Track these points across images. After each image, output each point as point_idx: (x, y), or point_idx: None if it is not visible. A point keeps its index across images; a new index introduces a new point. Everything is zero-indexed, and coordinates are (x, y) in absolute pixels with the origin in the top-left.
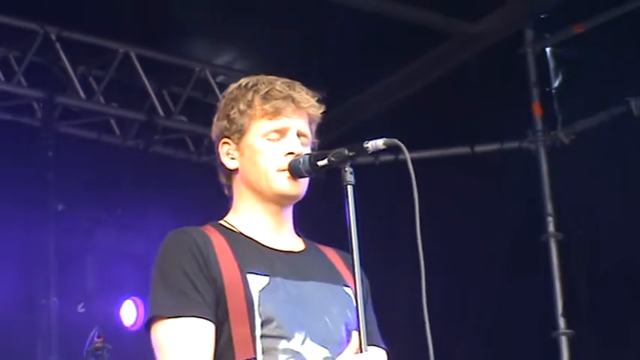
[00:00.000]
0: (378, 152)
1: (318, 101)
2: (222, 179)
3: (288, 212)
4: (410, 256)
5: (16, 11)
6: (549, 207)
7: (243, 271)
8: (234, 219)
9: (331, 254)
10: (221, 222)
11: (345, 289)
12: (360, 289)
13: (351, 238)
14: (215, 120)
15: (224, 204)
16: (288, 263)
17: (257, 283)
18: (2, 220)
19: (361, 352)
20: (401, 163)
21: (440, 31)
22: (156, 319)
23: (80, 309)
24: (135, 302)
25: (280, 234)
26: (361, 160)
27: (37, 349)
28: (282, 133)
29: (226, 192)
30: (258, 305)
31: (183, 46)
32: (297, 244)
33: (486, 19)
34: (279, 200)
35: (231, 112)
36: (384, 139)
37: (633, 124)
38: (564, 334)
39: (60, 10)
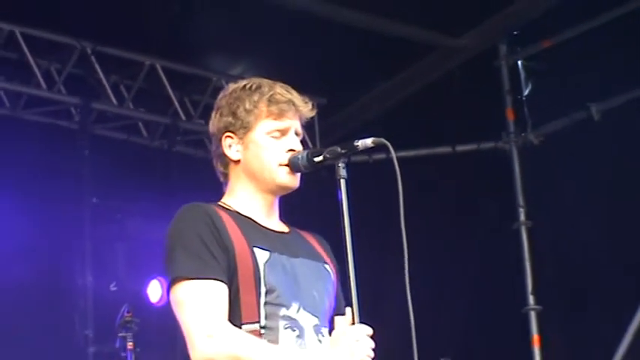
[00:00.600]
0: (370, 151)
1: (310, 104)
2: (220, 167)
3: (277, 200)
4: (396, 240)
5: (56, 28)
6: (520, 199)
7: (250, 244)
8: (232, 201)
9: (309, 237)
10: (219, 203)
11: (325, 265)
12: (353, 271)
13: (343, 226)
14: (217, 116)
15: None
16: (281, 241)
17: (262, 256)
18: (45, 210)
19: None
20: (391, 160)
21: (427, 44)
22: (176, 281)
23: (112, 288)
24: (160, 282)
25: (270, 218)
26: (357, 158)
27: (75, 322)
28: (283, 132)
29: (222, 179)
30: (264, 276)
31: (201, 59)
32: (283, 227)
33: (467, 35)
34: (277, 191)
35: (237, 110)
36: (373, 138)
37: (593, 127)
38: (533, 309)
39: (95, 27)
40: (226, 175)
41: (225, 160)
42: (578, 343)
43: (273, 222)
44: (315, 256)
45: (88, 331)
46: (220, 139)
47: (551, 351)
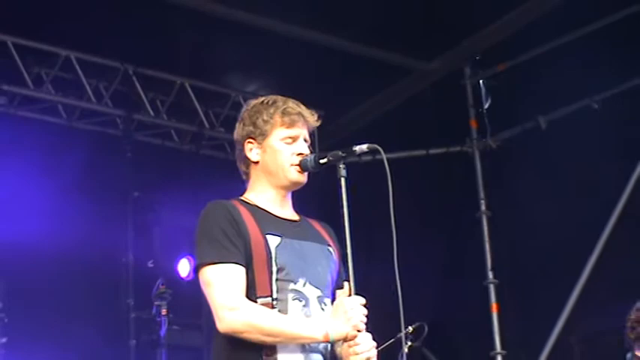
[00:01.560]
0: (363, 154)
1: (316, 115)
2: (242, 168)
3: (289, 194)
4: (384, 227)
5: (104, 53)
6: (481, 193)
7: (263, 232)
8: (252, 196)
9: (316, 224)
10: (241, 198)
11: (328, 248)
12: (351, 251)
13: (342, 214)
14: (241, 125)
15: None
16: (291, 228)
17: (273, 241)
18: (97, 202)
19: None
20: (377, 162)
21: (405, 68)
22: (203, 265)
23: (150, 264)
24: (189, 260)
25: (284, 208)
26: (349, 160)
27: (120, 294)
28: (294, 139)
29: (244, 177)
30: (275, 257)
31: (222, 78)
32: (295, 216)
33: (437, 60)
34: (289, 186)
35: (257, 121)
36: (368, 144)
37: (541, 135)
38: (492, 282)
39: (135, 52)
40: (248, 174)
41: (247, 162)
42: (529, 310)
43: (287, 212)
44: (320, 240)
45: (129, 300)
46: (243, 144)
47: (506, 316)
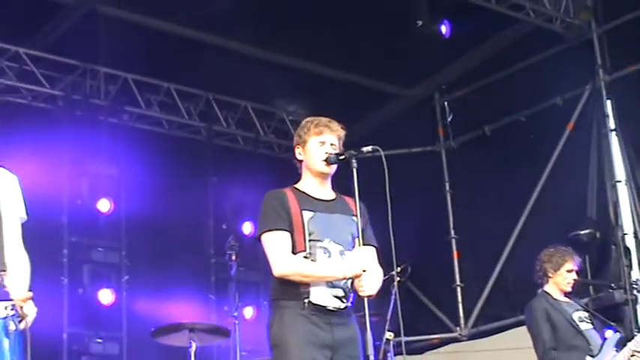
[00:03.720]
0: (368, 152)
1: (342, 128)
2: (297, 164)
3: (327, 180)
4: (381, 204)
5: (193, 85)
6: (446, 177)
7: (301, 209)
8: (300, 184)
9: (348, 199)
10: (294, 186)
11: (353, 217)
12: (360, 219)
13: (354, 195)
14: (296, 137)
15: (293, 178)
16: (324, 205)
17: (307, 215)
18: (189, 186)
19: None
20: (377, 157)
21: (392, 93)
22: (262, 233)
23: (224, 227)
24: (251, 222)
25: (321, 191)
26: (360, 156)
27: (204, 246)
28: (323, 143)
29: (299, 171)
30: (307, 226)
31: (272, 101)
32: (330, 195)
33: (417, 87)
34: (321, 175)
35: (302, 134)
36: (371, 146)
37: (487, 139)
38: (454, 238)
39: (214, 83)
40: (299, 169)
41: (298, 161)
42: (479, 256)
43: (324, 193)
44: (348, 212)
45: (211, 250)
46: (295, 149)
47: (464, 260)
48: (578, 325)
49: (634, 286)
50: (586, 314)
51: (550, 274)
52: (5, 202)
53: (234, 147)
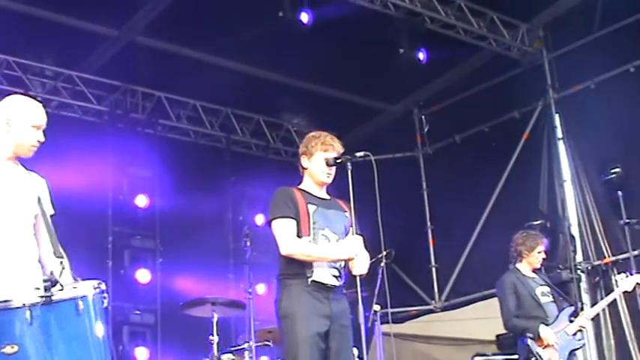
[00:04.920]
0: (360, 157)
1: (341, 145)
2: (300, 170)
3: (324, 187)
4: (370, 203)
5: (214, 101)
6: (423, 178)
7: (307, 203)
8: (303, 185)
9: (340, 201)
10: (299, 187)
11: (345, 213)
12: (354, 214)
13: (349, 193)
14: (302, 147)
15: (297, 178)
16: (323, 203)
17: (312, 208)
18: (213, 185)
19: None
20: (364, 162)
21: (378, 109)
22: (273, 219)
23: (240, 218)
24: (263, 215)
25: (320, 192)
26: (353, 160)
27: (225, 234)
28: (326, 157)
29: (301, 174)
30: (312, 216)
31: (280, 114)
32: (327, 196)
33: (399, 104)
34: (321, 183)
35: (308, 145)
36: (363, 152)
37: (457, 147)
38: (430, 228)
39: (233, 99)
40: (302, 173)
41: (302, 167)
42: (451, 242)
43: (322, 194)
44: (340, 209)
45: (229, 238)
46: (300, 158)
47: (438, 246)
48: (539, 299)
49: (577, 267)
50: (548, 289)
51: (524, 255)
52: (45, 201)
53: (248, 153)
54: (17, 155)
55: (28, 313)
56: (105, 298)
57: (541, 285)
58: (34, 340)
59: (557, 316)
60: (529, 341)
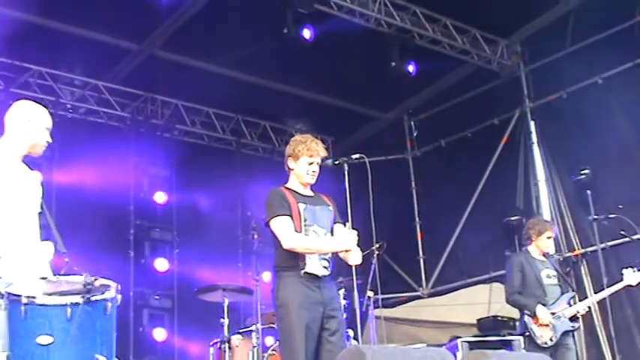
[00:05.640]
0: (356, 159)
1: (326, 149)
2: (287, 170)
3: (308, 185)
4: (364, 202)
5: (224, 108)
6: (412, 178)
7: (297, 202)
8: (289, 184)
9: (324, 196)
10: (285, 185)
11: (329, 207)
12: (334, 207)
13: (345, 191)
14: (289, 149)
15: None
16: (311, 200)
17: (302, 206)
18: (224, 186)
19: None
20: (360, 164)
21: (372, 116)
22: (272, 218)
23: (248, 213)
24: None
25: (305, 190)
26: (350, 162)
27: (234, 228)
28: (311, 163)
29: (288, 174)
30: (303, 214)
31: (285, 121)
32: (311, 193)
33: (391, 112)
34: (305, 183)
35: (295, 149)
36: (358, 154)
37: (442, 150)
38: (418, 223)
39: (244, 107)
40: (288, 173)
41: (289, 168)
42: (437, 235)
43: (307, 192)
44: (325, 204)
45: (238, 231)
46: (287, 159)
47: (426, 239)
48: (542, 280)
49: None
50: (554, 273)
51: (533, 238)
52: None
53: (256, 155)
54: (29, 153)
55: (69, 310)
56: (119, 300)
57: (547, 268)
58: (69, 334)
59: (558, 299)
60: (526, 318)
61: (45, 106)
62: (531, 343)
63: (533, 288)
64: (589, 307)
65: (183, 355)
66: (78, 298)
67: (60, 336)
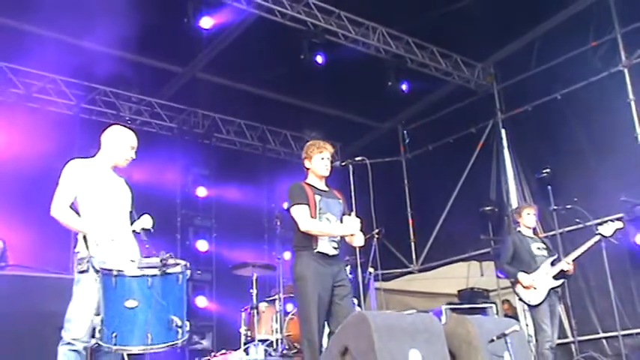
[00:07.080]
0: (359, 160)
1: (335, 151)
2: (305, 170)
3: (324, 180)
4: (365, 198)
5: (253, 119)
6: (405, 177)
7: (314, 194)
8: (309, 180)
9: (336, 191)
10: (305, 181)
11: (339, 201)
12: (344, 201)
13: (350, 188)
14: (303, 153)
15: (300, 175)
16: (325, 193)
17: (318, 197)
18: (251, 184)
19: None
20: (362, 165)
21: (372, 125)
22: (293, 205)
23: (272, 205)
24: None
25: (321, 185)
26: (353, 163)
27: (261, 218)
28: (323, 158)
29: (306, 173)
30: (318, 204)
31: (302, 130)
32: (326, 188)
33: (387, 122)
34: (321, 177)
35: (309, 151)
36: (361, 157)
37: (430, 155)
38: (410, 213)
39: (269, 117)
40: (306, 172)
41: (306, 168)
42: (425, 222)
43: (323, 186)
44: (337, 197)
45: (264, 219)
46: (304, 160)
47: (416, 226)
48: (533, 252)
49: None
50: (543, 245)
51: (518, 219)
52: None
53: (278, 158)
54: (115, 166)
55: (150, 280)
56: (188, 274)
57: (536, 242)
58: (149, 298)
59: (543, 262)
60: (517, 286)
61: (129, 127)
62: (528, 305)
63: (527, 259)
64: (569, 263)
65: (220, 318)
66: (156, 271)
67: (143, 300)
